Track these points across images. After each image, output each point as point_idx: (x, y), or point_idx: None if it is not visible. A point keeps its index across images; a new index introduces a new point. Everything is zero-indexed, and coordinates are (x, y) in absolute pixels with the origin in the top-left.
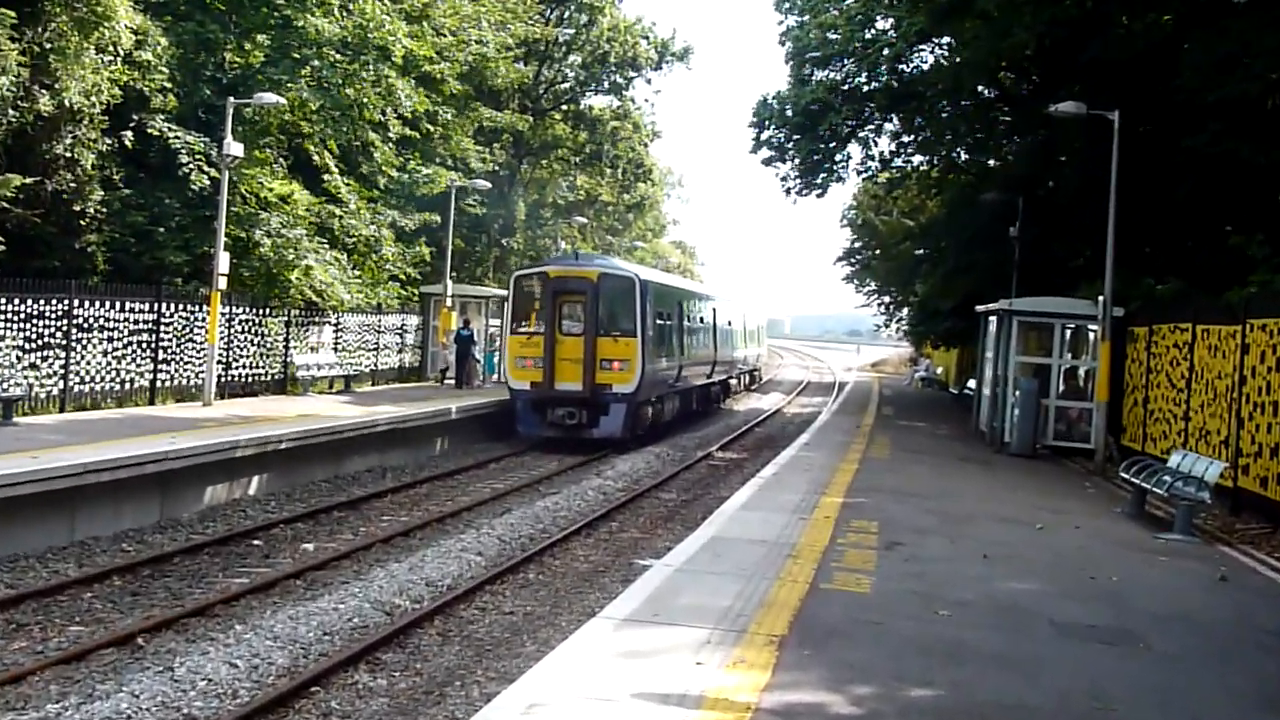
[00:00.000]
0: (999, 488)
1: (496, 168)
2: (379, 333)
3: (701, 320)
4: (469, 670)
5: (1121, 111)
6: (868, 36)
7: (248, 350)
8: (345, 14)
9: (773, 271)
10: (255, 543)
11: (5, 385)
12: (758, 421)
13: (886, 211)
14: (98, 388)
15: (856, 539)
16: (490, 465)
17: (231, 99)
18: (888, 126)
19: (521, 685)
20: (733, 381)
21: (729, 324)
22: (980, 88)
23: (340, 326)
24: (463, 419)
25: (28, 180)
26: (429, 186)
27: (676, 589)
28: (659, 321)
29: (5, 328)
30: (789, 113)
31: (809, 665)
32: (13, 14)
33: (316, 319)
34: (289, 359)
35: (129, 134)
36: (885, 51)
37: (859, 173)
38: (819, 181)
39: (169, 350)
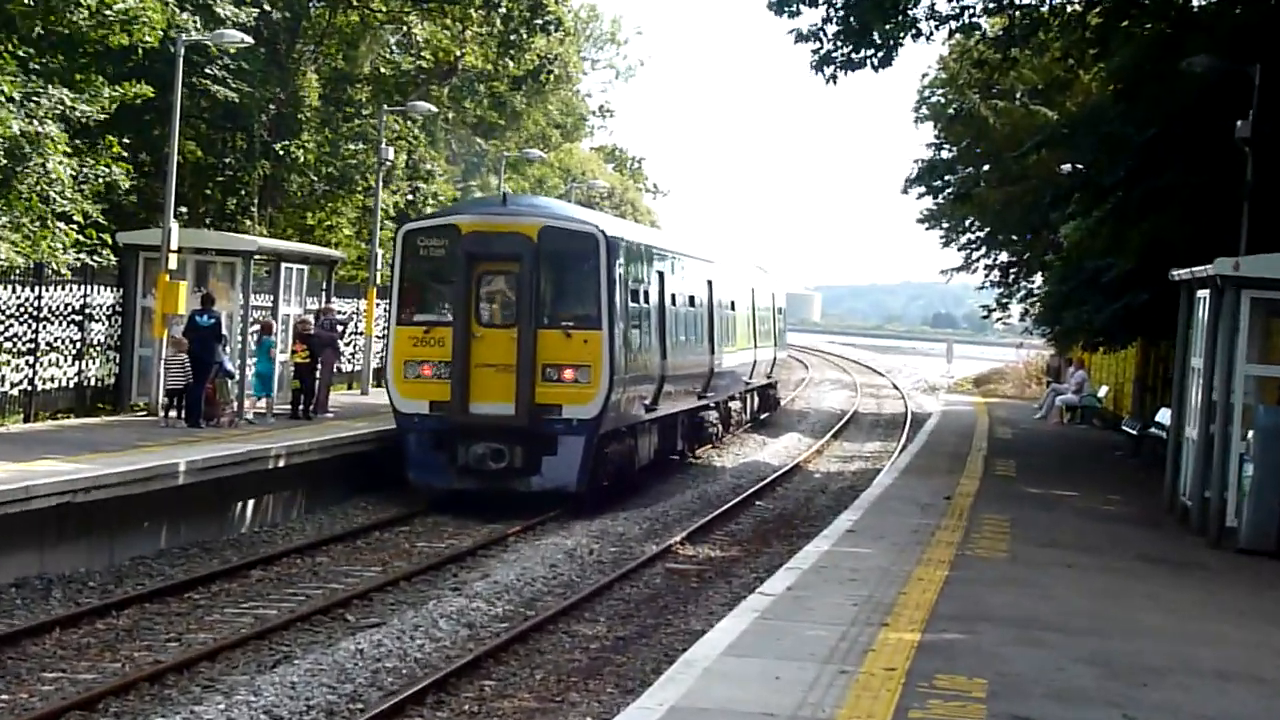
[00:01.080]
0: (1216, 614)
1: (265, 10)
2: (38, 320)
3: (692, 301)
4: None
5: None
6: None
7: None
8: None
9: (790, 214)
10: None
11: None
12: (760, 485)
13: (1001, 92)
14: None
15: (945, 712)
16: (253, 573)
17: None
18: None
19: None
20: (734, 405)
21: (730, 306)
22: None
23: None
24: (202, 485)
25: None
26: (132, 34)
27: None
28: (633, 304)
29: None
30: None
31: None
32: None
33: None
34: None
35: None
36: None
37: (949, 22)
38: (876, 41)
39: None
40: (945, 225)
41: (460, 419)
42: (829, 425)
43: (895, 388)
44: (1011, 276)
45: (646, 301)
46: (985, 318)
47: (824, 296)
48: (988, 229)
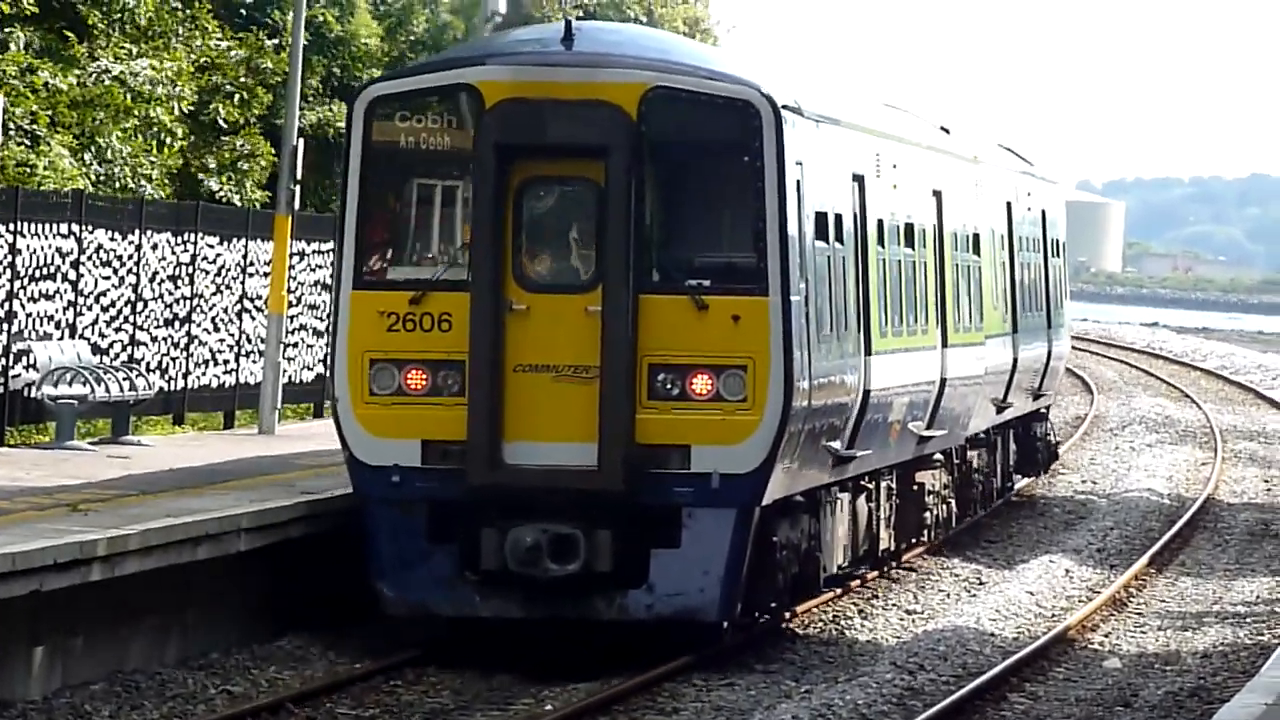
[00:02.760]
0: None
1: None
2: None
3: (909, 236)
4: None
5: None
6: None
7: None
8: None
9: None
10: None
11: None
12: (971, 688)
13: None
14: None
15: None
16: None
17: None
18: None
19: None
20: (976, 458)
21: (971, 247)
22: None
23: None
24: None
25: None
26: None
27: None
28: (819, 244)
29: None
30: None
31: None
32: None
33: None
34: None
35: None
36: None
37: None
38: None
39: None
40: None
41: (486, 476)
42: (1141, 534)
43: None
44: None
45: (839, 238)
46: None
47: (1130, 208)
48: None
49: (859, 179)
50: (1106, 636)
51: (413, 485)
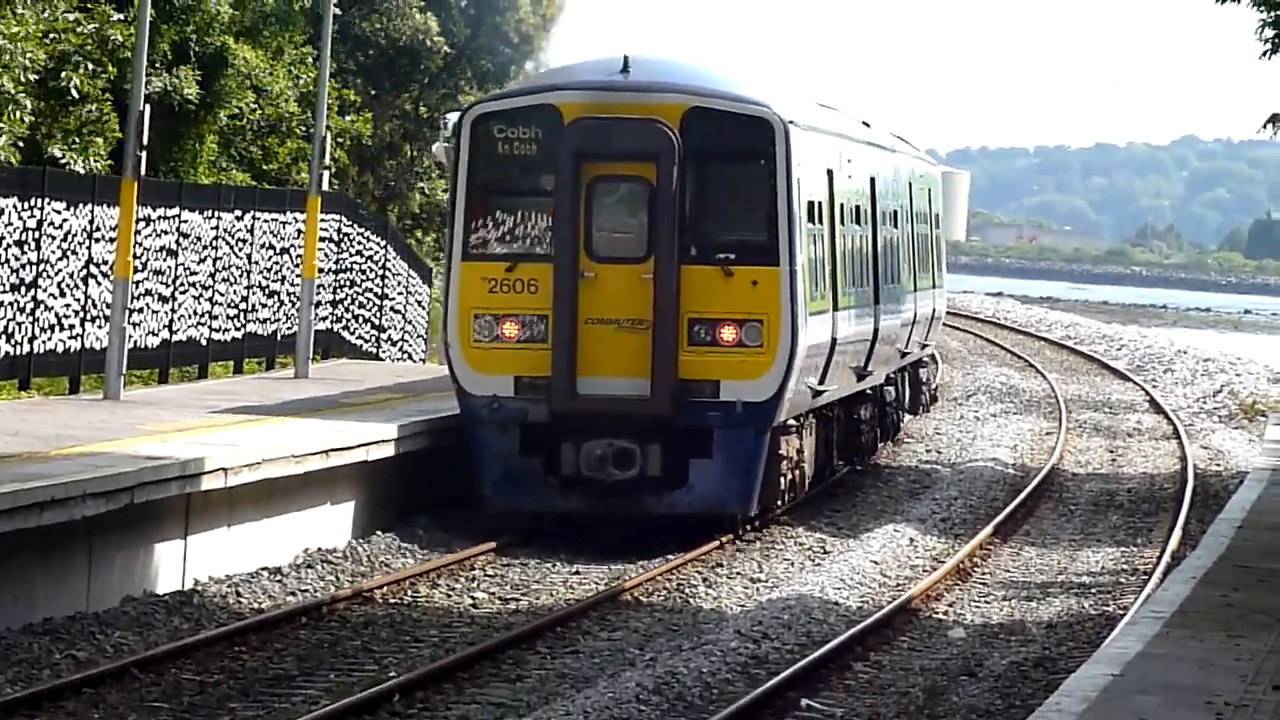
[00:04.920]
0: None
1: None
2: None
3: (858, 216)
4: None
5: None
6: None
7: None
8: None
9: None
10: None
11: None
12: (816, 656)
13: None
14: None
15: None
16: None
17: None
18: None
19: None
20: (890, 393)
21: (891, 221)
22: None
23: None
24: None
25: None
26: None
27: None
28: (810, 226)
29: None
30: None
31: None
32: None
33: None
34: None
35: None
36: None
37: None
38: None
39: None
40: None
41: (565, 404)
42: (985, 504)
43: (1155, 408)
44: None
45: (820, 220)
46: None
47: (975, 178)
48: None
49: (830, 173)
50: (951, 606)
51: (507, 410)
